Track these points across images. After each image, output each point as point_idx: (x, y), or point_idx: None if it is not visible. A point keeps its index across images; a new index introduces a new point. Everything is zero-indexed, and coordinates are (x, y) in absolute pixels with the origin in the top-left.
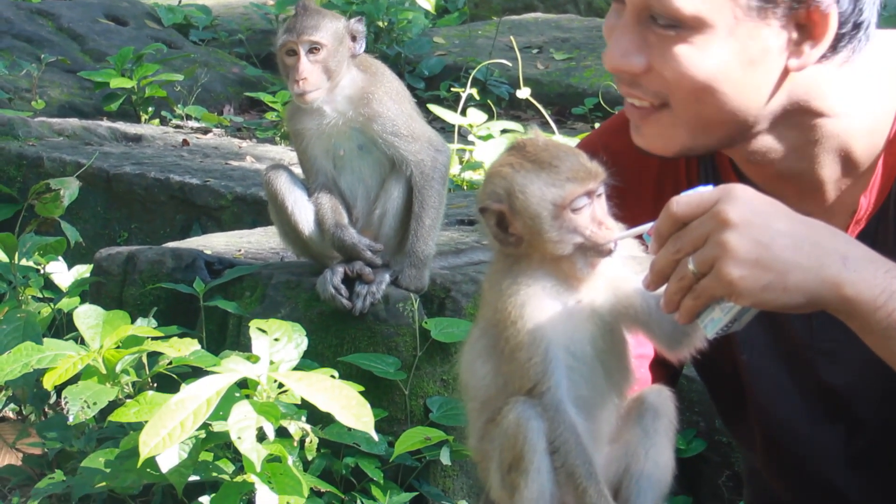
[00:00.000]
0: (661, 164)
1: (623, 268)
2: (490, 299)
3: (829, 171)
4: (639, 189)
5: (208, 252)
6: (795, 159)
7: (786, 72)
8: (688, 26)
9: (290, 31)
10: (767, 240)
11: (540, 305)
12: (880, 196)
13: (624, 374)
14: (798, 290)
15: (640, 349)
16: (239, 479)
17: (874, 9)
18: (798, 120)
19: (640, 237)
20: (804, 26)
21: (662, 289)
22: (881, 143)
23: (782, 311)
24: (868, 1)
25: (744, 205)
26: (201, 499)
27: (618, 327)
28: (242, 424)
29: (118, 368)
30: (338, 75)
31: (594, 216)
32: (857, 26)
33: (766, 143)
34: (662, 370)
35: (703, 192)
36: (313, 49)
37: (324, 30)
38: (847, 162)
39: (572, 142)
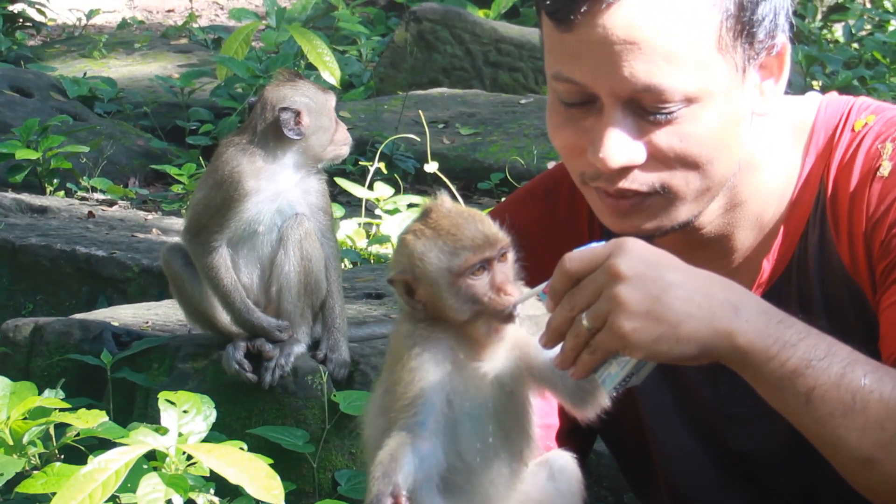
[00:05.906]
0: (564, 233)
1: (524, 328)
2: (391, 353)
3: (744, 235)
4: (542, 258)
5: (116, 324)
6: (721, 224)
7: (750, 120)
8: (689, 102)
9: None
10: (659, 291)
11: (433, 357)
12: (781, 260)
13: (523, 438)
14: (691, 340)
15: (547, 419)
16: None
17: None
18: (734, 179)
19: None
20: (765, 66)
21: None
22: (784, 205)
23: (677, 363)
24: None
25: (635, 257)
26: None
27: (519, 391)
28: (151, 497)
29: (25, 440)
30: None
31: (493, 283)
32: None
33: (710, 206)
34: (572, 444)
35: (594, 248)
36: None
37: None
38: (759, 225)
39: None
